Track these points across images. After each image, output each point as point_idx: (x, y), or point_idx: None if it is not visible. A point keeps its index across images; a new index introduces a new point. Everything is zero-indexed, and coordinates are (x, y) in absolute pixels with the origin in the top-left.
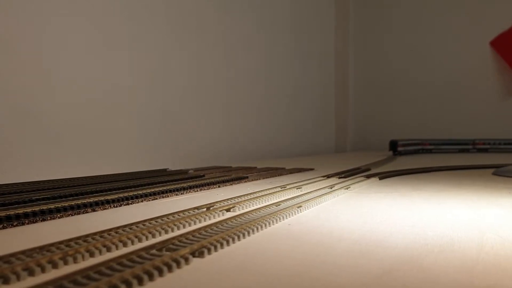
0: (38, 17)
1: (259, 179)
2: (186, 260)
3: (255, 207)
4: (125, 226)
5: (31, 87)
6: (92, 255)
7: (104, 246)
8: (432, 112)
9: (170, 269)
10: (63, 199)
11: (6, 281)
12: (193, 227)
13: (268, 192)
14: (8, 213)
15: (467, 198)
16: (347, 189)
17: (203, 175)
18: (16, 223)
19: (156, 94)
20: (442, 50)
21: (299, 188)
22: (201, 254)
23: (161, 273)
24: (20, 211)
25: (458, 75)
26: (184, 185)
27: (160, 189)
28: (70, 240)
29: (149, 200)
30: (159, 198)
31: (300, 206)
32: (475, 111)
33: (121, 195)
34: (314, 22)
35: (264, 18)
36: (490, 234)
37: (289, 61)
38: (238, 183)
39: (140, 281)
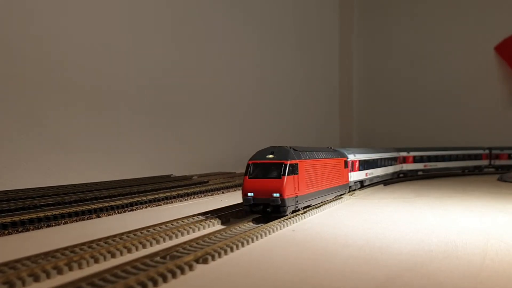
0: (49, 30)
1: None
2: (191, 267)
3: None
4: (130, 232)
5: (38, 96)
6: (96, 261)
7: (109, 252)
8: (436, 118)
9: (174, 275)
10: (68, 205)
11: (12, 286)
12: (198, 233)
13: None
14: (13, 219)
15: (471, 204)
16: (351, 195)
17: (207, 181)
18: (21, 229)
19: (161, 100)
20: (446, 57)
21: None
22: (205, 261)
23: (165, 279)
24: (25, 217)
25: (462, 82)
26: (188, 191)
27: (164, 195)
28: (75, 246)
29: (153, 206)
30: (163, 204)
31: (305, 212)
32: (480, 118)
33: (125, 201)
34: (318, 33)
35: (270, 30)
36: (495, 241)
37: (293, 70)
38: None
39: None
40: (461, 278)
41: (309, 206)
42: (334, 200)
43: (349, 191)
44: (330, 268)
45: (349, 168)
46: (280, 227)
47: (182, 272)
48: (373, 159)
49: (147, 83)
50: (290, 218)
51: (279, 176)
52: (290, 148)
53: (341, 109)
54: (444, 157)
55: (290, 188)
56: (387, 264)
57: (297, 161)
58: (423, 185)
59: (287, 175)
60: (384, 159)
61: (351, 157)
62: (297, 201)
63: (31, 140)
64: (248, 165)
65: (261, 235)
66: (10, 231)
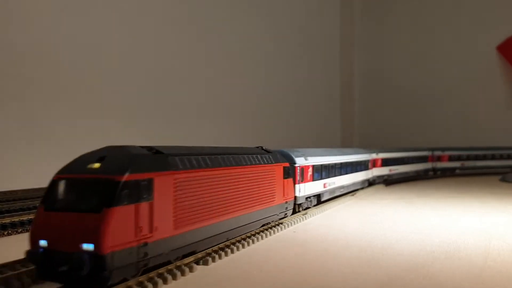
0: (49, 30)
1: None
2: (191, 269)
3: None
4: None
5: (38, 97)
6: None
7: None
8: (437, 118)
9: (174, 277)
10: None
11: None
12: None
13: None
14: (12, 220)
15: (473, 205)
16: (353, 195)
17: None
18: (21, 229)
19: (161, 100)
20: (447, 57)
21: None
22: (205, 262)
23: (165, 281)
24: (25, 218)
25: (464, 82)
26: None
27: None
28: None
29: None
30: None
31: (306, 213)
32: (481, 118)
33: None
34: (319, 33)
35: (270, 30)
36: (497, 241)
37: (293, 70)
38: None
39: None
40: (463, 278)
41: (193, 252)
42: (335, 200)
43: (298, 211)
44: (331, 270)
45: (297, 177)
46: (281, 228)
47: (182, 273)
48: (335, 164)
49: (147, 83)
50: (290, 219)
51: (97, 207)
52: (151, 149)
53: (342, 109)
54: (404, 160)
55: (122, 231)
56: (388, 265)
57: (151, 174)
58: (424, 185)
59: (118, 204)
60: (351, 163)
61: (300, 162)
62: (145, 253)
63: (31, 140)
64: (50, 183)
65: (262, 237)
66: (10, 231)
